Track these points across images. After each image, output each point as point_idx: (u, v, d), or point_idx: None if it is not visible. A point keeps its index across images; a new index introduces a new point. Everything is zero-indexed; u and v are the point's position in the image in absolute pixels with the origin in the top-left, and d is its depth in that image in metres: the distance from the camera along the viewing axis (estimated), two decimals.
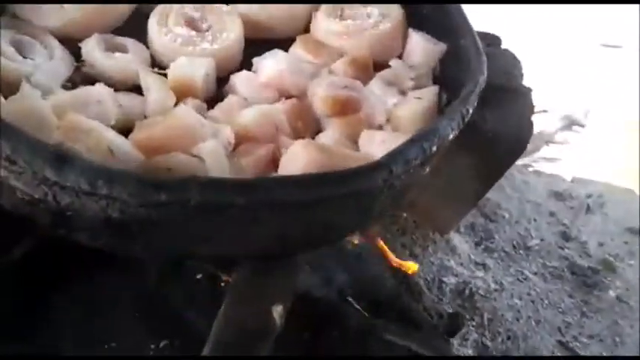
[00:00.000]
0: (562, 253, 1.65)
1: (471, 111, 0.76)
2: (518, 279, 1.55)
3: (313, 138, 0.85)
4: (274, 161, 0.79)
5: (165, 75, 0.88)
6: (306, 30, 1.02)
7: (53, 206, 0.60)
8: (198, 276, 0.78)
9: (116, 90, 0.82)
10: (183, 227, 0.61)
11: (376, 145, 0.76)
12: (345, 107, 0.85)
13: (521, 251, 1.62)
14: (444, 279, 1.44)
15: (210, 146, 0.73)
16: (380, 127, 0.86)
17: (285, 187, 0.60)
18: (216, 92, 0.90)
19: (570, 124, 2.08)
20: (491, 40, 1.29)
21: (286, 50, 0.96)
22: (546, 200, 1.76)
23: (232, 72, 0.93)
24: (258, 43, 0.97)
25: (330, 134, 0.82)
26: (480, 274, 1.51)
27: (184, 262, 0.79)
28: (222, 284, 0.77)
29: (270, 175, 0.77)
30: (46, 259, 0.74)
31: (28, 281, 0.74)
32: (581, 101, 2.08)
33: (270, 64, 0.87)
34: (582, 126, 2.09)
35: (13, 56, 0.81)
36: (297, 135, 0.83)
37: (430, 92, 0.87)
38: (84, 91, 0.77)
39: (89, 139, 0.69)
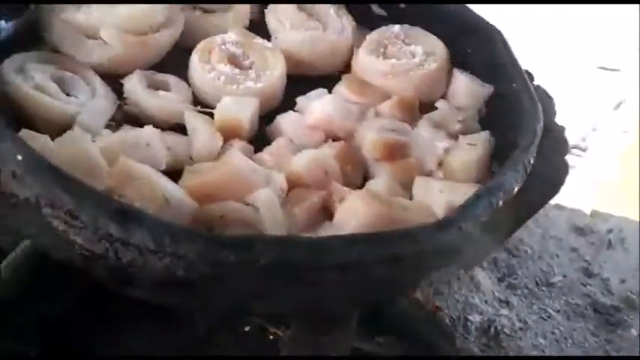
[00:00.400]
0: (584, 290, 1.62)
1: (532, 162, 0.74)
2: (541, 317, 1.52)
3: (361, 181, 0.83)
4: (324, 207, 0.76)
5: (208, 114, 0.85)
6: (346, 65, 1.00)
7: (114, 263, 0.57)
8: (247, 328, 0.75)
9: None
10: (247, 285, 0.58)
11: (434, 195, 0.74)
12: (395, 151, 0.82)
13: (544, 288, 1.59)
14: (469, 317, 1.42)
15: (264, 195, 0.70)
16: (430, 172, 0.84)
17: (357, 247, 0.57)
18: (258, 130, 0.88)
19: (570, 147, 2.07)
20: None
21: (325, 86, 0.94)
22: (568, 235, 1.74)
23: (273, 109, 0.91)
24: (296, 78, 0.95)
25: (382, 181, 0.79)
26: (505, 311, 1.48)
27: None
28: (271, 337, 0.75)
29: (321, 222, 0.74)
30: (93, 307, 0.71)
31: (76, 330, 0.71)
32: (579, 124, 2.07)
33: (319, 107, 0.84)
34: (583, 150, 2.07)
35: (57, 94, 0.78)
36: (346, 179, 0.81)
37: (483, 138, 0.84)
38: (133, 133, 0.75)
39: (143, 188, 0.66)
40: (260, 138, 0.86)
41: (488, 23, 0.97)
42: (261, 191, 0.70)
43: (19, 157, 0.56)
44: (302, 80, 0.96)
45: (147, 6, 0.89)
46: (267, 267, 0.55)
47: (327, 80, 0.97)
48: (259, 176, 0.72)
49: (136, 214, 0.55)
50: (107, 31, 0.85)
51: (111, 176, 0.67)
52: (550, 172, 1.23)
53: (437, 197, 0.73)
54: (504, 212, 1.10)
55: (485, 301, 1.49)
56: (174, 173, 0.75)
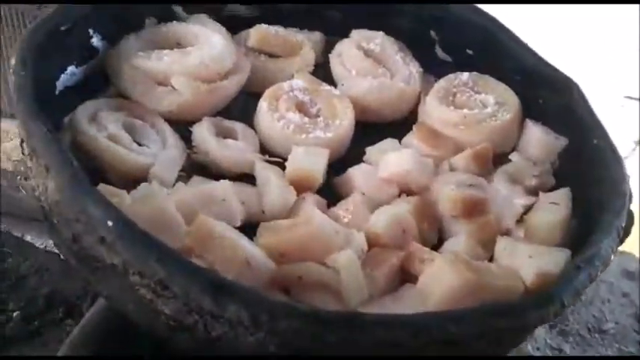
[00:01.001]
0: (637, 338, 1.57)
1: (624, 226, 0.70)
2: None
3: (437, 238, 0.80)
4: (402, 267, 0.74)
5: (278, 163, 0.83)
6: (412, 112, 0.97)
7: (201, 335, 0.54)
8: None
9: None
10: None
11: (521, 260, 0.70)
12: (474, 208, 0.79)
13: (596, 335, 1.55)
14: None
15: (345, 257, 0.67)
16: (509, 231, 0.80)
17: (460, 325, 0.54)
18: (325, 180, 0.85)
19: None
20: None
21: (391, 134, 0.92)
22: (619, 280, 1.69)
23: (341, 157, 0.89)
24: (361, 124, 0.93)
25: (462, 241, 0.76)
26: None
27: None
28: None
29: (399, 284, 0.71)
30: None
31: None
32: None
33: (395, 161, 0.82)
34: None
35: (130, 145, 0.77)
36: (422, 236, 0.78)
37: (565, 197, 0.81)
38: (208, 188, 0.72)
39: (224, 250, 0.63)
40: (326, 187, 0.84)
41: (563, 74, 0.94)
42: (343, 253, 0.67)
43: (110, 224, 0.54)
44: (367, 127, 0.94)
45: (217, 53, 0.87)
46: (369, 345, 0.52)
47: (393, 127, 0.95)
48: (340, 237, 0.69)
49: (231, 288, 0.52)
50: (178, 78, 0.84)
51: (190, 235, 0.65)
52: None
53: (525, 263, 0.69)
54: None
55: (538, 349, 1.45)
56: (246, 227, 0.73)
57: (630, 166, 0.85)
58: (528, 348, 1.43)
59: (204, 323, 0.53)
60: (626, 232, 1.17)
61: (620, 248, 1.84)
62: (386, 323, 0.53)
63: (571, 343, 1.50)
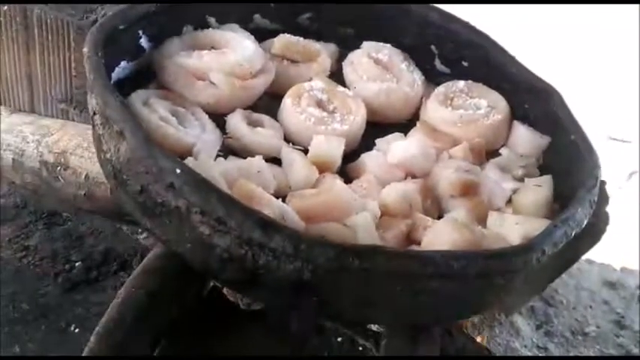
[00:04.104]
0: (618, 341, 1.69)
1: (596, 200, 0.84)
2: None
3: (438, 216, 0.93)
4: (408, 234, 0.86)
5: (301, 150, 0.96)
6: (414, 114, 1.11)
7: (249, 265, 0.66)
8: (339, 339, 0.83)
9: None
10: (363, 291, 0.68)
11: (510, 228, 0.83)
12: (470, 189, 0.92)
13: (579, 337, 1.66)
14: None
15: (362, 219, 0.80)
16: (500, 210, 0.93)
17: (458, 260, 0.67)
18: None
19: None
20: None
21: (398, 131, 1.05)
22: (600, 288, 1.82)
23: (354, 149, 1.02)
24: (371, 124, 1.06)
25: (460, 213, 0.89)
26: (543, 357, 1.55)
27: (325, 326, 0.84)
28: (360, 348, 0.83)
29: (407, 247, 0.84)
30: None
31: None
32: None
33: (403, 148, 0.95)
34: None
35: (177, 126, 0.89)
36: (425, 211, 0.91)
37: (547, 180, 0.94)
38: (246, 161, 0.85)
39: (263, 207, 0.76)
40: (341, 174, 0.97)
41: (545, 82, 1.08)
42: (360, 215, 0.80)
43: (178, 171, 0.66)
44: (376, 126, 1.07)
45: (249, 54, 1.01)
46: (386, 274, 0.64)
47: (399, 127, 1.09)
48: (357, 203, 0.82)
49: (277, 224, 0.65)
50: (216, 74, 0.97)
51: (233, 194, 0.77)
52: (592, 222, 1.32)
53: (513, 229, 0.82)
54: (549, 259, 1.19)
55: (525, 346, 1.57)
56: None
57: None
58: (516, 344, 1.54)
59: (253, 253, 0.66)
60: (600, 230, 1.30)
61: (601, 260, 1.97)
62: (400, 254, 0.65)
63: (556, 343, 1.62)
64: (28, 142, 1.22)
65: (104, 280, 1.08)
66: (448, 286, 0.69)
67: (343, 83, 1.13)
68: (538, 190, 0.91)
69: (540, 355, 1.55)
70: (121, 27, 0.93)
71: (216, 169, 0.81)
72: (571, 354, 1.60)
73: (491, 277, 0.70)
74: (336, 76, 1.15)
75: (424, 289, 0.68)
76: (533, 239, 0.73)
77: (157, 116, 0.88)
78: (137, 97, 0.91)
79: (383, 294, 0.68)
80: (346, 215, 0.81)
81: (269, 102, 1.07)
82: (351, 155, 1.00)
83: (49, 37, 1.27)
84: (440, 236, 0.79)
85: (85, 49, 0.82)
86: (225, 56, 1.00)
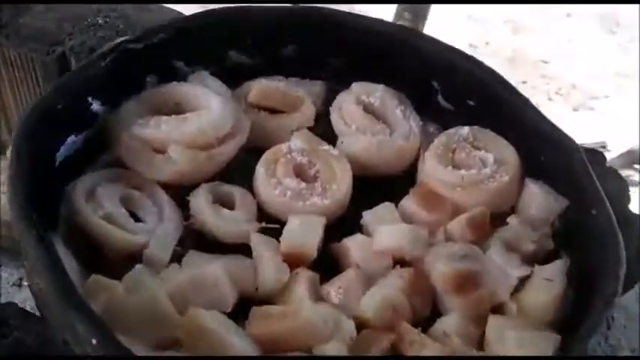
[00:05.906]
0: None
1: (614, 317, 0.70)
2: None
3: (430, 311, 0.81)
4: (393, 347, 0.75)
5: (275, 228, 0.84)
6: (411, 165, 0.97)
7: None
8: None
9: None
10: None
11: (508, 345, 0.71)
12: (466, 283, 0.80)
13: None
14: None
15: (333, 349, 0.69)
16: (503, 304, 0.81)
17: None
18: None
19: None
20: (595, 157, 1.22)
21: (390, 189, 0.93)
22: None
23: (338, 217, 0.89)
24: (360, 179, 0.93)
25: (453, 321, 0.77)
26: None
27: None
28: None
29: None
30: None
31: None
32: None
33: (388, 235, 0.82)
34: None
35: (126, 224, 0.78)
36: (414, 310, 0.79)
37: (559, 271, 0.81)
38: (199, 274, 0.74)
39: (214, 345, 0.65)
40: (323, 251, 0.85)
41: (564, 133, 0.93)
42: (330, 345, 0.69)
43: (94, 341, 0.56)
44: (367, 181, 0.94)
45: (215, 118, 0.88)
46: None
47: (392, 182, 0.96)
48: (329, 327, 0.70)
49: None
50: (174, 148, 0.85)
51: (182, 328, 0.67)
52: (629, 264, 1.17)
53: (512, 351, 0.70)
54: None
55: None
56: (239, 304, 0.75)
57: None
58: None
59: None
60: (632, 280, 1.15)
61: None
62: None
63: None
64: None
65: None
66: None
67: (332, 127, 0.99)
68: (548, 288, 0.78)
69: None
70: (60, 105, 0.80)
71: (164, 289, 0.70)
72: None
73: None
74: (323, 117, 1.01)
75: None
76: None
77: (101, 214, 0.77)
78: (82, 187, 0.79)
79: None
80: (315, 342, 0.70)
81: (246, 161, 0.94)
82: (336, 222, 0.88)
83: (16, 74, 1.16)
84: None
85: (8, 152, 0.70)
86: (187, 124, 0.87)
